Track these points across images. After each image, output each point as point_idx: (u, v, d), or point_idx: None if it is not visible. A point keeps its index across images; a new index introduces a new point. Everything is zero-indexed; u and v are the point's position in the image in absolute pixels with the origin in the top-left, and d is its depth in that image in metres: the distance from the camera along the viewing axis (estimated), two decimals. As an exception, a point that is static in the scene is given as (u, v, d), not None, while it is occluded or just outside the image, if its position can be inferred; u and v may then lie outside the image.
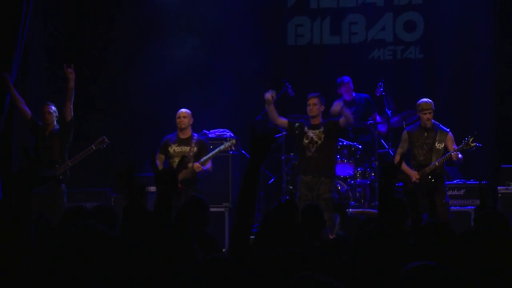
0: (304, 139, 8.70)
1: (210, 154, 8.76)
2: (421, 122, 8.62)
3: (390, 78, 10.52)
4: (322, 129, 8.67)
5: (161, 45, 10.92)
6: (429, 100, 8.62)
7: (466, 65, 10.90)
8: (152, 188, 9.76)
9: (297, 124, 8.78)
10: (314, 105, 8.68)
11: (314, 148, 8.62)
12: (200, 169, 8.65)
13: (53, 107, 8.79)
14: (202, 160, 8.69)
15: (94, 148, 8.81)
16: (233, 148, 9.15)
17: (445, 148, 8.50)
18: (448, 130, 8.58)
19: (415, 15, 11.18)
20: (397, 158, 8.71)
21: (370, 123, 9.81)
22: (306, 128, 8.74)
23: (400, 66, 11.22)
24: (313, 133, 8.67)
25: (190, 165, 8.61)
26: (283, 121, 8.87)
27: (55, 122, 8.78)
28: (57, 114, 8.79)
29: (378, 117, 9.96)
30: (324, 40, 11.46)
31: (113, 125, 10.85)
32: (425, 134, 8.57)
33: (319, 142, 8.62)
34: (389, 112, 9.48)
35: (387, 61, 11.23)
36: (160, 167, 8.49)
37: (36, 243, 3.67)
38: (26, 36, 9.07)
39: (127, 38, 11.17)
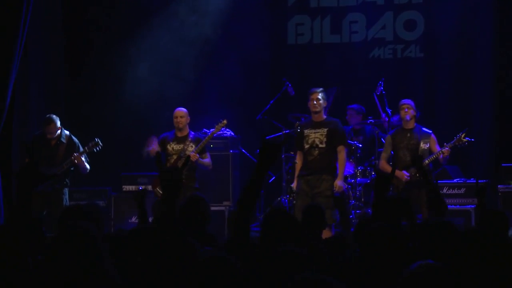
0: (305, 144, 8.38)
1: (204, 141, 8.77)
2: (402, 123, 8.69)
3: (391, 77, 10.51)
4: (326, 130, 8.35)
5: (160, 44, 10.93)
6: (408, 100, 8.71)
7: (466, 64, 10.89)
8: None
9: (297, 128, 8.62)
10: (317, 100, 8.31)
11: (317, 152, 8.31)
12: (196, 157, 8.65)
13: (57, 123, 8.78)
14: (197, 147, 8.69)
15: (87, 150, 8.77)
16: (224, 127, 9.14)
17: (430, 149, 8.55)
18: (431, 132, 8.65)
19: (416, 14, 11.17)
20: (382, 163, 8.72)
21: (370, 121, 9.78)
22: (306, 130, 8.42)
23: (401, 65, 11.21)
24: (314, 134, 8.36)
25: (182, 161, 8.59)
26: None
27: (58, 133, 8.77)
28: (58, 125, 8.79)
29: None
30: (325, 39, 11.44)
31: (112, 119, 10.86)
32: (408, 134, 8.61)
33: (321, 146, 8.30)
34: (389, 111, 9.47)
35: (388, 60, 11.22)
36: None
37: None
38: (26, 36, 9.05)
39: (126, 35, 11.15)
